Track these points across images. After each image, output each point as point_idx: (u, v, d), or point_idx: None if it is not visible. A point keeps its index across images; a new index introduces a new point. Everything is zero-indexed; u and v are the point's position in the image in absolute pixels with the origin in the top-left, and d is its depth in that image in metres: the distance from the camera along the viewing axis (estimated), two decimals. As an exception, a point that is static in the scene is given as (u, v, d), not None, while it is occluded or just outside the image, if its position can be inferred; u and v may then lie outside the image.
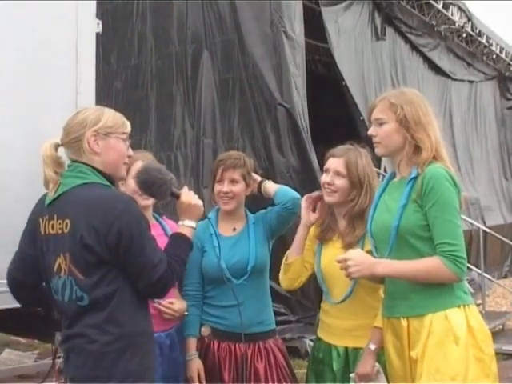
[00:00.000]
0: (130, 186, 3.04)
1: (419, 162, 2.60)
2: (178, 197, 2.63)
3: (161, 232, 3.13)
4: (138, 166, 2.92)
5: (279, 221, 3.22)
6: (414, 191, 2.58)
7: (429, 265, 2.52)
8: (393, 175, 2.80)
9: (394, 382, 2.70)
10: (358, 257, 2.61)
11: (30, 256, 2.57)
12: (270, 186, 3.27)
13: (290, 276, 3.16)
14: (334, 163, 3.04)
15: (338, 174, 3.02)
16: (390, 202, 2.69)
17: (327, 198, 3.05)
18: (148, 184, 2.59)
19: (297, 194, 3.20)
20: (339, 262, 2.63)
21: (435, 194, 2.51)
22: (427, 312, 2.55)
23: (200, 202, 2.65)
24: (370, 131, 2.74)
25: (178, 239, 2.62)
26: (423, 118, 2.63)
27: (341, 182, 3.01)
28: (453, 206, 2.53)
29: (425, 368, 2.51)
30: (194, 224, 2.64)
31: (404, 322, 2.61)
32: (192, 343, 3.13)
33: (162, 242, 2.91)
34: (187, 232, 2.62)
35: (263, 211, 3.31)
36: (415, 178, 2.58)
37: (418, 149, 2.62)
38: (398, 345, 2.64)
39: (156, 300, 2.96)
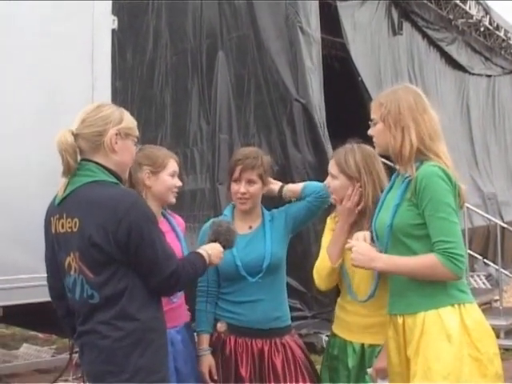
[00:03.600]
0: (164, 182, 3.12)
1: (403, 161, 2.61)
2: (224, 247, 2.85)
3: (168, 228, 3.15)
4: (173, 162, 3.14)
5: (309, 211, 3.23)
6: (408, 190, 2.58)
7: (425, 262, 2.52)
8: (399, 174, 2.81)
9: (392, 379, 2.70)
10: (362, 248, 2.64)
11: (52, 259, 2.59)
12: (294, 186, 3.30)
13: (335, 278, 3.07)
14: (329, 165, 3.10)
15: (331, 175, 3.06)
16: (390, 200, 2.69)
17: (330, 199, 3.13)
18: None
19: (323, 184, 3.21)
20: (348, 249, 2.70)
21: (428, 192, 2.51)
22: (420, 310, 2.55)
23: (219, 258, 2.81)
24: (369, 131, 2.77)
25: (196, 255, 2.70)
26: (405, 115, 2.61)
27: (334, 183, 3.05)
28: (445, 203, 2.50)
29: (419, 367, 2.50)
30: (208, 255, 2.72)
31: (400, 320, 2.61)
32: (204, 339, 3.14)
33: (170, 238, 2.95)
34: (205, 255, 2.69)
35: (283, 207, 3.30)
36: (408, 178, 2.59)
37: (401, 149, 2.61)
38: (397, 340, 2.65)
39: None
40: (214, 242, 2.82)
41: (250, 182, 3.16)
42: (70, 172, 2.46)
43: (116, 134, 2.50)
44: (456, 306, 2.54)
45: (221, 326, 3.16)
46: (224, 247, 2.83)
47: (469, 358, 2.47)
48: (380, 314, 2.89)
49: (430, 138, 2.61)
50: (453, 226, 2.51)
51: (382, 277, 2.84)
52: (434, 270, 2.49)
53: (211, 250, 2.74)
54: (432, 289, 2.55)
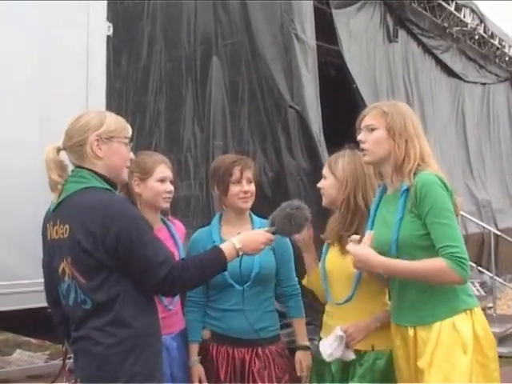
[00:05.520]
0: (152, 188, 3.10)
1: (405, 172, 2.63)
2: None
3: (167, 235, 3.14)
4: (162, 168, 3.10)
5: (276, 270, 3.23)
6: (408, 202, 2.60)
7: (432, 265, 2.51)
8: (385, 189, 2.80)
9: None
10: (360, 255, 2.63)
11: (49, 265, 2.59)
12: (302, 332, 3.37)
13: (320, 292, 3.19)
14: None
15: (324, 177, 3.09)
16: (386, 215, 2.70)
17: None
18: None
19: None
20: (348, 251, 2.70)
21: (429, 200, 2.53)
22: (435, 320, 2.56)
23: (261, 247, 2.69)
24: (360, 137, 2.75)
25: (212, 252, 2.61)
26: (410, 130, 2.67)
27: (324, 184, 3.07)
28: (447, 210, 2.54)
29: (432, 377, 2.51)
30: (238, 247, 2.61)
31: (411, 331, 2.62)
32: (194, 349, 3.14)
33: (169, 245, 2.94)
34: (227, 252, 2.58)
35: (285, 243, 3.25)
36: (407, 190, 2.61)
37: (404, 160, 2.65)
38: (406, 350, 2.65)
39: None
40: (284, 222, 2.69)
41: (249, 180, 3.16)
42: (56, 187, 2.47)
43: (97, 140, 2.47)
44: (468, 312, 2.57)
45: (205, 334, 3.17)
46: (275, 232, 2.72)
47: (477, 365, 2.51)
48: (362, 319, 2.90)
49: (427, 155, 2.68)
50: (456, 231, 2.54)
51: (362, 280, 2.87)
52: (441, 274, 2.49)
53: (245, 241, 2.62)
54: (444, 297, 2.57)
